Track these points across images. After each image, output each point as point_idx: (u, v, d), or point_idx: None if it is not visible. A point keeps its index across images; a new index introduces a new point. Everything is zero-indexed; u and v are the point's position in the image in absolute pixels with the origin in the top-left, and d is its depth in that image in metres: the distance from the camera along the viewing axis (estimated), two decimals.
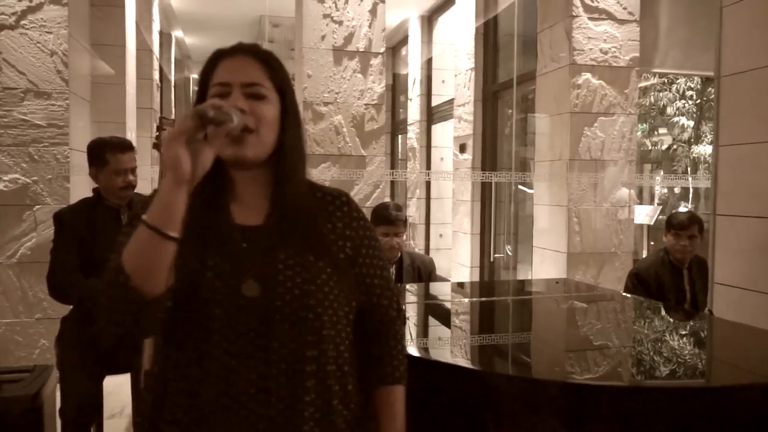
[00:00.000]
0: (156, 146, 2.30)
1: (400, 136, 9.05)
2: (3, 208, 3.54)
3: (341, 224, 1.11)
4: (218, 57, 1.06)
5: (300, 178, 1.09)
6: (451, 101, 6.78)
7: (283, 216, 1.06)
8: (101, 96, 4.78)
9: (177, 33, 8.53)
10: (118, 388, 3.06)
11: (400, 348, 1.19)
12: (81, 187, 3.74)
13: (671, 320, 2.40)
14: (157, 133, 2.31)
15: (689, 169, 9.17)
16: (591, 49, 4.29)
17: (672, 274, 3.06)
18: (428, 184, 7.74)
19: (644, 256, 6.26)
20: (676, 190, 8.82)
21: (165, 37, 7.93)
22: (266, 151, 1.04)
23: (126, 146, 2.29)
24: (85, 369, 2.14)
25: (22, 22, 3.54)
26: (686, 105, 9.19)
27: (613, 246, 4.43)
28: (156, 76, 6.65)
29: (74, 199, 3.46)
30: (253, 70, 1.05)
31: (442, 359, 1.70)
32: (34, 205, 3.57)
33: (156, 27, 6.73)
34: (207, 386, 0.99)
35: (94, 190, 2.34)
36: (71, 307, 2.40)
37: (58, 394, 2.22)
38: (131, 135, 5.13)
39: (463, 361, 1.71)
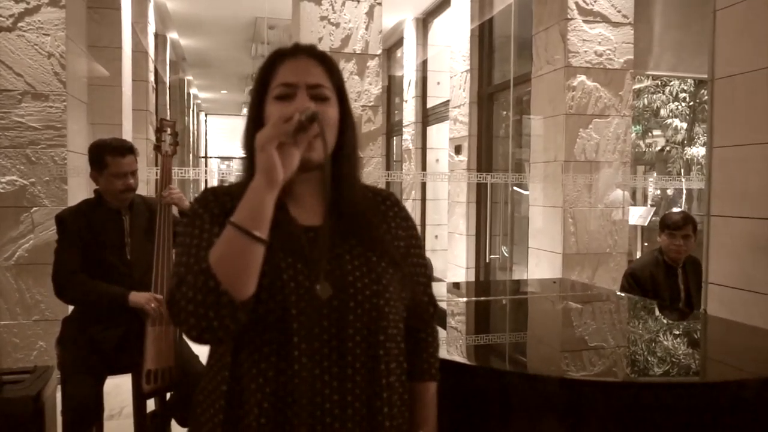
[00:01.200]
0: (157, 148, 2.31)
1: (395, 138, 9.08)
2: (0, 210, 3.55)
3: (394, 224, 1.13)
4: (278, 57, 1.07)
5: (357, 179, 1.11)
6: (446, 103, 6.81)
7: (343, 216, 1.06)
8: (97, 98, 4.79)
9: (172, 35, 8.53)
10: (116, 389, 3.06)
11: (436, 345, 1.22)
12: (78, 188, 3.74)
13: (667, 319, 2.43)
14: (158, 135, 2.31)
15: (682, 170, 9.24)
16: (586, 51, 4.33)
17: (666, 274, 3.09)
18: (424, 186, 7.77)
19: (638, 256, 6.31)
20: (669, 192, 8.88)
21: (160, 39, 7.93)
22: (328, 152, 1.03)
23: (126, 149, 2.29)
24: (87, 370, 2.14)
25: (20, 24, 3.55)
26: (679, 107, 9.26)
27: (608, 247, 4.47)
28: (151, 78, 6.65)
29: (72, 201, 3.46)
30: (316, 72, 1.05)
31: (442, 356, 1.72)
32: (32, 207, 3.57)
33: (151, 29, 6.73)
34: (292, 389, 0.98)
35: (95, 191, 2.34)
36: (72, 308, 2.40)
37: (58, 394, 2.23)
38: (127, 137, 5.13)
39: (459, 358, 1.73)
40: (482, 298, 2.92)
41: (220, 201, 1.05)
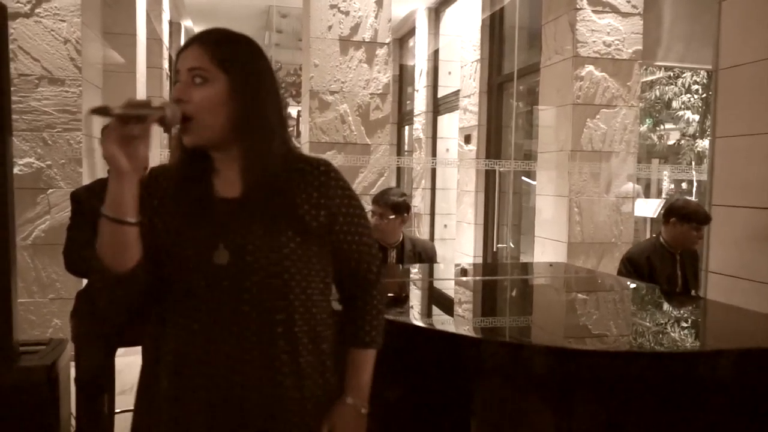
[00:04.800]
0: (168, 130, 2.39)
1: (406, 127, 9.12)
2: (18, 192, 3.63)
3: (317, 193, 1.14)
4: (181, 49, 1.14)
5: (265, 151, 1.12)
6: (456, 92, 6.84)
7: (255, 189, 1.11)
8: (112, 84, 4.88)
9: (186, 22, 8.61)
10: (127, 368, 3.16)
11: (375, 313, 1.25)
12: (92, 171, 3.84)
13: (668, 303, 2.47)
14: None
15: (693, 162, 9.19)
16: (594, 41, 4.35)
17: (664, 260, 3.13)
18: (434, 174, 7.82)
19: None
20: (684, 185, 8.84)
21: (174, 27, 8.01)
22: (216, 132, 1.09)
23: None
24: (99, 341, 2.24)
25: (37, 11, 3.64)
26: (692, 99, 9.19)
27: (613, 236, 4.50)
28: (165, 65, 6.74)
29: (86, 182, 3.56)
30: (196, 56, 1.09)
31: (432, 326, 1.77)
32: (48, 189, 3.68)
33: (166, 16, 6.81)
34: (192, 348, 1.10)
35: (109, 171, 2.43)
36: (85, 282, 2.49)
37: (72, 365, 2.33)
38: None
39: (451, 328, 1.79)
40: (476, 278, 2.98)
41: (159, 182, 1.17)
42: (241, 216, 1.11)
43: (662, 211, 3.37)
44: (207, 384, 1.09)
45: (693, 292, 3.15)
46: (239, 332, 1.09)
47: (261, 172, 1.11)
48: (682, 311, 2.34)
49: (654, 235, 3.23)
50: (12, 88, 2.86)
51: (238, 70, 1.11)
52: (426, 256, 3.15)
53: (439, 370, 1.63)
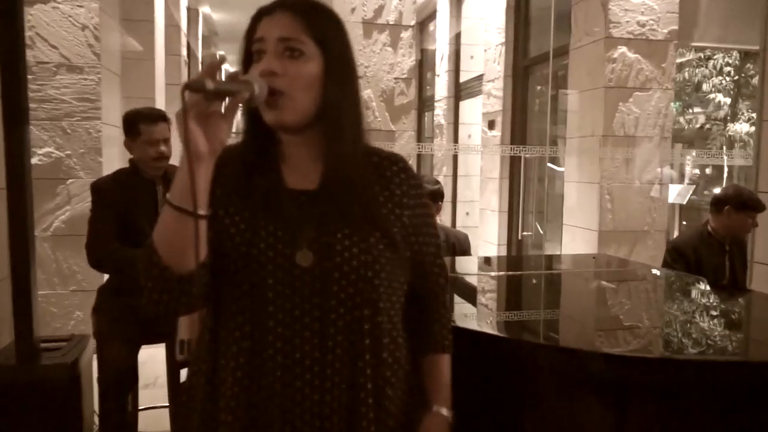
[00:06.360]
0: None
1: (426, 114, 8.98)
2: (37, 182, 3.58)
3: (399, 191, 1.05)
4: (259, 15, 1.00)
5: (351, 140, 1.00)
6: (479, 77, 6.69)
7: (338, 182, 0.99)
8: (131, 71, 4.81)
9: (204, 9, 8.52)
10: (151, 360, 3.11)
11: (449, 317, 1.17)
12: (113, 160, 3.77)
13: (720, 295, 2.35)
14: None
15: (724, 147, 8.92)
16: (628, 21, 4.17)
17: (712, 250, 2.99)
18: (455, 161, 7.68)
19: (675, 235, 6.16)
20: (708, 171, 8.60)
21: (192, 13, 7.93)
22: (305, 113, 0.97)
23: (158, 117, 2.29)
24: (121, 338, 2.17)
25: None
26: (723, 81, 8.90)
27: (646, 224, 4.35)
28: (184, 52, 6.66)
29: (106, 172, 3.50)
30: (288, 25, 0.96)
31: (481, 329, 1.68)
32: (68, 179, 3.62)
33: (184, 3, 6.73)
34: (266, 359, 0.97)
35: (130, 161, 2.35)
36: (107, 277, 2.43)
37: (95, 362, 2.26)
38: None
39: (497, 332, 1.69)
40: (517, 273, 2.87)
41: (222, 169, 0.99)
42: (322, 212, 0.99)
43: (698, 199, 3.22)
44: (286, 390, 0.96)
45: (747, 284, 2.99)
46: (322, 343, 0.97)
47: (345, 162, 0.99)
48: (733, 306, 2.21)
49: (702, 224, 3.08)
50: (30, 77, 2.80)
51: (334, 47, 0.99)
52: (460, 247, 3.05)
53: (491, 373, 1.53)
